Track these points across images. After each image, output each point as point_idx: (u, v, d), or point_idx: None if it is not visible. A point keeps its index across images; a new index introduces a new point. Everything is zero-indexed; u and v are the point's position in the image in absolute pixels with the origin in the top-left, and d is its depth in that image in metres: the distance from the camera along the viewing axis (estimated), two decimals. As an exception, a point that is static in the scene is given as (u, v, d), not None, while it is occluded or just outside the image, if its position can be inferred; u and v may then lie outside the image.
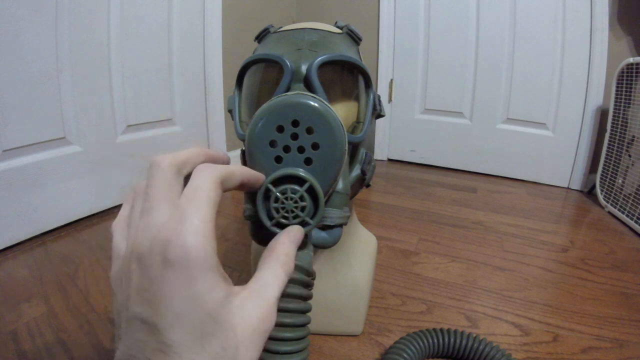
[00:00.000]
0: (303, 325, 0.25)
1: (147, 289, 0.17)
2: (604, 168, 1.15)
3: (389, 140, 1.63)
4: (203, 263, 0.17)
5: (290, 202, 0.25)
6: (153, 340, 0.17)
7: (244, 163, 0.41)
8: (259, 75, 0.40)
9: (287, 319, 0.24)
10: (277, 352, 0.24)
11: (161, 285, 0.17)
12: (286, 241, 0.24)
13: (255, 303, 0.20)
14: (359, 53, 0.44)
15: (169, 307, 0.17)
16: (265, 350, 0.24)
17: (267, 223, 0.26)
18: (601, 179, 1.16)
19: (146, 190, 0.20)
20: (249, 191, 0.26)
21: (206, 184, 0.19)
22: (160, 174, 0.20)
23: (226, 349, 0.18)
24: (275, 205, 0.25)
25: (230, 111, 0.40)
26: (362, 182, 0.42)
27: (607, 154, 1.14)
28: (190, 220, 0.18)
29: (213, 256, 0.18)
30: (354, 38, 0.43)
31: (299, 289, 0.25)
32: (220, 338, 0.17)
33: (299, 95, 0.26)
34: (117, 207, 1.02)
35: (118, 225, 0.22)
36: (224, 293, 0.18)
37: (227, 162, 0.25)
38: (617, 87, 1.08)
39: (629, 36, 1.17)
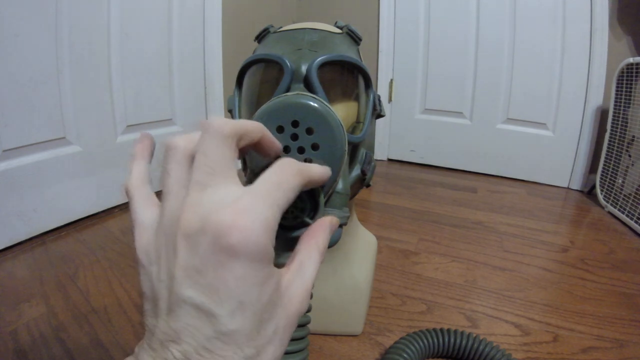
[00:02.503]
0: (303, 325, 0.25)
1: (201, 272, 0.16)
2: (604, 168, 1.15)
3: (389, 140, 1.63)
4: (265, 257, 0.17)
5: (290, 202, 0.25)
6: (209, 328, 0.16)
7: (244, 163, 0.41)
8: (259, 75, 0.40)
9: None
10: (277, 352, 0.23)
11: (222, 272, 0.16)
12: (326, 228, 0.23)
13: (297, 284, 0.19)
14: (359, 53, 0.44)
15: (231, 295, 0.16)
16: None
17: (267, 223, 0.26)
18: (601, 179, 1.16)
19: (200, 157, 0.18)
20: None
21: (292, 182, 0.18)
22: (222, 142, 0.18)
23: (276, 331, 0.18)
24: (275, 205, 0.25)
25: (230, 111, 0.40)
26: (362, 182, 0.42)
27: (607, 154, 1.14)
28: (264, 210, 0.17)
29: (273, 250, 0.17)
30: (354, 38, 0.43)
31: None
32: (273, 320, 0.18)
33: (298, 95, 0.26)
34: (117, 207, 1.02)
35: (138, 187, 0.20)
36: (278, 278, 0.18)
37: (280, 151, 0.23)
38: (617, 87, 1.08)
39: (629, 36, 1.17)
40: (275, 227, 0.17)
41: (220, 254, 0.16)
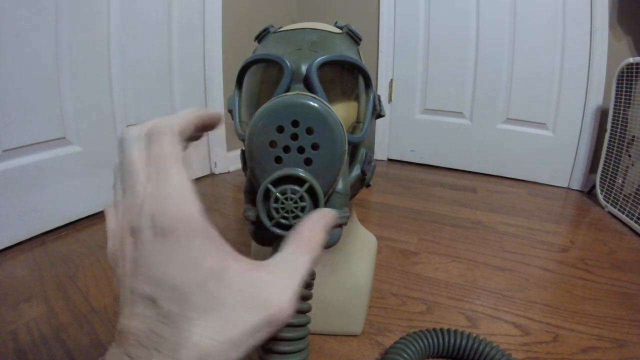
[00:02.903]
0: (303, 325, 0.25)
1: (141, 262, 0.17)
2: (604, 168, 1.15)
3: (389, 140, 1.63)
4: (189, 228, 0.17)
5: (290, 202, 0.25)
6: (153, 312, 0.17)
7: (244, 163, 0.41)
8: (258, 75, 0.40)
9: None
10: (277, 352, 0.23)
11: (154, 257, 0.17)
12: (317, 225, 0.22)
13: (271, 289, 0.18)
14: (359, 53, 0.44)
15: (163, 279, 0.17)
16: (265, 350, 0.24)
17: (267, 223, 0.26)
18: (601, 179, 1.16)
19: (122, 167, 0.20)
20: (212, 129, 0.24)
21: (166, 143, 0.19)
22: (131, 146, 0.20)
23: (226, 329, 0.17)
24: (275, 205, 0.25)
25: (230, 111, 0.40)
26: (362, 182, 0.42)
27: (607, 154, 1.14)
28: (165, 187, 0.18)
29: (199, 220, 0.18)
30: (354, 38, 0.43)
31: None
32: (221, 315, 0.17)
33: (298, 95, 0.26)
34: (117, 207, 1.02)
35: (109, 207, 0.22)
36: (220, 262, 0.18)
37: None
38: (617, 87, 1.08)
39: (629, 36, 1.17)
40: (190, 187, 0.18)
41: (153, 240, 0.17)
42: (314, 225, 0.22)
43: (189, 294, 0.17)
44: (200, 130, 0.23)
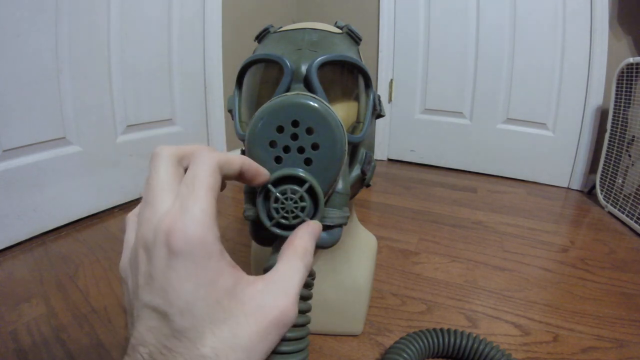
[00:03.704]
0: (303, 325, 0.25)
1: (155, 278, 0.18)
2: (604, 168, 1.15)
3: (389, 140, 1.63)
4: (206, 251, 0.18)
5: (290, 202, 0.25)
6: (166, 327, 0.18)
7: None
8: (259, 75, 0.40)
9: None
10: (277, 352, 0.23)
11: (168, 274, 0.18)
12: (304, 234, 0.24)
13: (273, 294, 0.20)
14: (359, 53, 0.44)
15: (177, 295, 0.17)
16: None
17: (267, 223, 0.26)
18: (601, 179, 1.16)
19: (148, 181, 0.20)
20: (250, 184, 0.25)
21: (204, 170, 0.20)
22: (161, 163, 0.20)
23: (237, 337, 0.18)
24: (275, 205, 0.25)
25: (230, 111, 0.40)
26: (362, 182, 0.42)
27: (607, 154, 1.14)
28: (190, 209, 0.18)
29: (216, 244, 0.18)
30: (354, 38, 0.43)
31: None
32: (230, 325, 0.18)
33: (298, 95, 0.26)
34: (117, 207, 1.02)
35: (131, 217, 0.23)
36: (232, 281, 0.19)
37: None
38: (617, 87, 1.08)
39: (629, 36, 1.17)
40: (212, 216, 0.19)
41: (169, 258, 0.18)
42: (303, 235, 0.24)
43: (203, 310, 0.18)
44: (240, 178, 0.24)
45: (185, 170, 0.21)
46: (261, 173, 0.24)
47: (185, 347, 0.17)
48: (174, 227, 0.18)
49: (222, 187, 0.24)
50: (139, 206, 0.22)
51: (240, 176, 0.23)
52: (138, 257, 0.19)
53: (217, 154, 0.21)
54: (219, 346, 0.17)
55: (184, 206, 0.18)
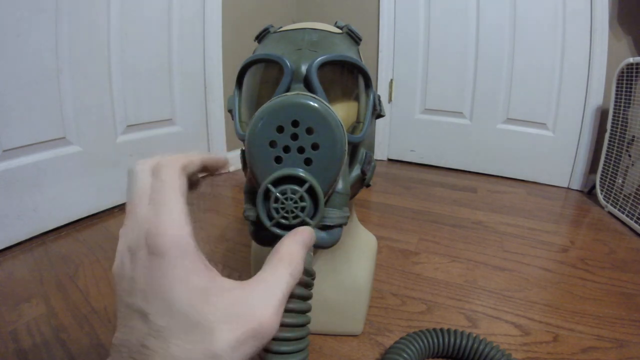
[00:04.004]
0: (303, 325, 0.25)
1: (136, 280, 0.19)
2: (604, 168, 1.15)
3: (389, 140, 1.63)
4: (180, 250, 0.19)
5: (290, 202, 0.25)
6: (145, 326, 0.18)
7: (244, 163, 0.41)
8: (259, 75, 0.40)
9: (287, 319, 0.24)
10: (277, 352, 0.23)
11: (148, 275, 0.19)
12: (291, 242, 0.24)
13: (251, 304, 0.19)
14: (359, 53, 0.44)
15: (155, 294, 0.18)
16: (265, 350, 0.24)
17: (267, 223, 0.26)
18: (601, 179, 1.16)
19: (127, 195, 0.22)
20: (215, 173, 0.27)
21: (169, 175, 0.21)
22: (136, 177, 0.22)
23: (209, 343, 0.18)
24: (275, 205, 0.25)
25: (230, 111, 0.40)
26: (362, 182, 0.42)
27: (607, 154, 1.14)
28: (162, 212, 0.20)
29: (189, 242, 0.19)
30: (354, 38, 0.43)
31: (299, 289, 0.25)
32: (203, 330, 0.18)
33: (298, 95, 0.26)
34: (117, 207, 1.02)
35: (122, 228, 0.24)
36: (205, 282, 0.19)
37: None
38: (617, 87, 1.08)
39: (629, 36, 1.17)
40: (183, 214, 0.20)
41: (147, 258, 0.19)
42: (290, 241, 0.24)
43: (178, 309, 0.18)
44: (205, 170, 0.26)
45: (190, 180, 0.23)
46: (220, 160, 0.27)
47: (160, 345, 0.17)
48: (150, 229, 0.19)
49: (195, 185, 0.27)
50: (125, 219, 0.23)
51: (205, 170, 0.26)
52: (124, 263, 0.20)
53: (178, 157, 0.23)
54: (190, 348, 0.17)
55: (157, 210, 0.20)
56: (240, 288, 0.20)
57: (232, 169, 1.40)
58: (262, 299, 0.20)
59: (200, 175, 0.27)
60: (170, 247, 0.19)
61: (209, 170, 0.26)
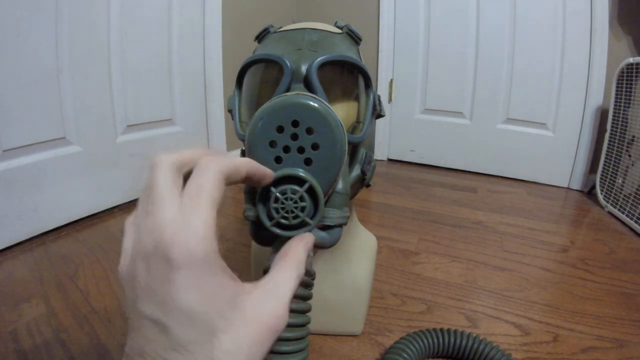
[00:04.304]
0: (303, 325, 0.25)
1: (154, 290, 0.18)
2: (604, 168, 1.15)
3: (389, 140, 1.63)
4: (208, 265, 0.18)
5: (290, 202, 0.25)
6: (165, 340, 0.17)
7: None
8: (259, 75, 0.40)
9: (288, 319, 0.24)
10: (277, 352, 0.23)
11: (168, 287, 0.17)
12: (299, 246, 0.25)
13: (269, 302, 0.20)
14: (359, 53, 0.44)
15: (178, 307, 0.17)
16: (266, 350, 0.24)
17: (267, 223, 0.26)
18: (601, 179, 1.16)
19: (148, 191, 0.20)
20: (256, 186, 0.25)
21: (210, 181, 0.19)
22: (162, 172, 0.20)
23: (237, 344, 0.18)
24: (275, 205, 0.25)
25: (230, 111, 0.40)
26: (362, 182, 0.42)
27: (607, 154, 1.14)
28: (193, 223, 0.18)
29: (216, 257, 0.19)
30: (354, 38, 0.43)
31: (299, 289, 0.25)
32: (231, 334, 0.18)
33: (298, 95, 0.26)
34: (117, 207, 1.02)
35: (129, 225, 0.22)
36: (232, 292, 0.19)
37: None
38: (617, 87, 1.08)
39: (629, 36, 1.17)
40: (213, 229, 0.19)
41: (169, 271, 0.17)
42: (297, 246, 0.25)
43: (205, 322, 0.18)
44: (247, 181, 0.23)
45: (186, 177, 0.21)
46: (267, 174, 0.24)
47: (185, 359, 0.17)
48: (176, 240, 0.17)
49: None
50: (135, 213, 0.21)
51: (245, 180, 0.23)
52: (137, 268, 0.19)
53: (222, 161, 0.20)
54: (220, 356, 0.17)
55: (187, 220, 0.18)
56: (258, 289, 0.21)
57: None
58: (276, 297, 0.21)
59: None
60: (197, 264, 0.18)
61: (252, 182, 0.24)
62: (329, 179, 0.27)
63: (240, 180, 0.22)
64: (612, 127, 1.11)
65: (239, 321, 0.18)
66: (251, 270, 0.58)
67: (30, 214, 0.83)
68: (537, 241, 0.90)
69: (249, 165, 0.23)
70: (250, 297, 0.20)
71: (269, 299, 0.20)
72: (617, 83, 1.08)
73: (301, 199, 0.25)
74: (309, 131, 0.26)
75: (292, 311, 0.24)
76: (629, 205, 1.02)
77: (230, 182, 0.21)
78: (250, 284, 0.21)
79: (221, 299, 0.18)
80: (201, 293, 0.18)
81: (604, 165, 1.15)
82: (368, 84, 0.39)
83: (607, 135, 1.14)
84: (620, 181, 1.07)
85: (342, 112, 0.39)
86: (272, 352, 0.24)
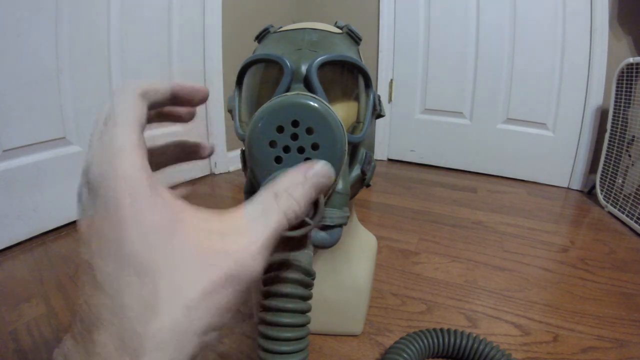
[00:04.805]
0: (303, 325, 0.25)
1: (80, 223, 0.16)
2: (604, 168, 1.15)
3: (389, 140, 1.63)
4: (126, 185, 0.15)
5: (290, 202, 0.25)
6: (91, 278, 0.15)
7: (244, 163, 0.41)
8: (259, 75, 0.40)
9: (287, 319, 0.24)
10: (277, 352, 0.23)
11: (91, 217, 0.16)
12: (295, 174, 0.19)
13: (227, 239, 0.16)
14: (359, 53, 0.44)
15: (99, 239, 0.15)
16: (265, 350, 0.24)
17: (267, 223, 0.26)
18: (601, 179, 1.16)
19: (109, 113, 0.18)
20: (191, 104, 0.23)
21: (122, 100, 0.18)
22: (123, 95, 0.18)
23: (177, 289, 0.14)
24: (275, 205, 0.25)
25: (230, 111, 0.40)
26: (362, 182, 0.42)
27: (607, 154, 1.14)
28: (104, 142, 0.16)
29: (138, 175, 0.16)
30: (354, 38, 0.43)
31: (299, 289, 0.25)
32: (168, 274, 0.14)
33: (298, 95, 0.26)
34: (117, 207, 1.02)
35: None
36: (167, 217, 0.15)
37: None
38: (617, 87, 1.08)
39: (629, 36, 1.17)
40: (131, 141, 0.16)
41: (90, 198, 0.16)
42: (294, 173, 0.20)
43: (128, 255, 0.14)
44: (177, 101, 0.21)
45: (152, 106, 0.20)
46: (199, 89, 0.22)
47: (106, 302, 0.14)
48: (90, 165, 0.16)
49: (165, 118, 0.23)
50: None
51: (175, 100, 0.21)
52: (78, 207, 0.17)
53: (139, 82, 0.19)
54: (152, 303, 0.14)
55: (101, 141, 0.16)
56: (217, 219, 0.16)
57: (232, 168, 1.40)
58: (244, 235, 0.16)
59: (175, 109, 0.22)
60: (109, 183, 0.15)
61: (183, 101, 0.21)
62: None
63: (164, 98, 0.20)
64: (612, 127, 1.11)
65: (177, 255, 0.15)
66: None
67: (30, 214, 0.83)
68: (537, 241, 0.90)
69: (173, 82, 0.20)
70: (204, 227, 0.16)
71: (235, 234, 0.16)
72: (617, 83, 1.08)
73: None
74: (309, 131, 0.26)
75: (292, 311, 0.24)
76: (629, 205, 1.02)
77: (152, 101, 0.19)
78: (206, 211, 0.17)
79: (147, 225, 0.15)
80: (118, 220, 0.15)
81: (604, 165, 1.15)
82: (368, 84, 0.39)
83: (607, 135, 1.14)
84: (620, 181, 1.07)
85: (342, 112, 0.39)
86: (272, 352, 0.24)
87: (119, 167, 0.15)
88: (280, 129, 0.26)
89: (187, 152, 0.24)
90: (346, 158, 0.30)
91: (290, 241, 0.28)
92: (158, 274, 0.14)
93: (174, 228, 0.15)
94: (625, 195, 1.04)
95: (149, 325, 0.14)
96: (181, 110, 0.23)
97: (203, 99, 0.22)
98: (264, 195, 0.18)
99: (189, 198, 0.20)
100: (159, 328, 0.14)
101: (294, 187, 0.19)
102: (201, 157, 0.24)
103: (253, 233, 0.16)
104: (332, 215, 0.30)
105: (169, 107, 0.22)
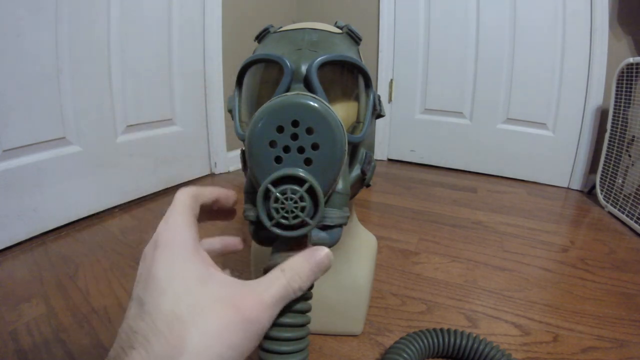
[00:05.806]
0: (303, 325, 0.25)
1: (142, 274, 0.22)
2: (604, 168, 1.15)
3: (389, 140, 1.63)
4: (181, 245, 0.22)
5: (290, 202, 0.25)
6: (139, 310, 0.20)
7: (244, 163, 0.41)
8: (259, 75, 0.40)
9: (287, 319, 0.24)
10: (277, 352, 0.23)
11: (151, 266, 0.21)
12: (299, 257, 0.25)
13: (245, 294, 0.21)
14: (359, 53, 0.44)
15: (155, 283, 0.20)
16: (265, 350, 0.24)
17: (267, 223, 0.26)
18: (601, 179, 1.16)
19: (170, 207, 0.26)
20: (229, 205, 0.31)
21: (181, 194, 0.26)
22: (180, 195, 0.26)
23: (195, 323, 0.19)
24: (275, 205, 0.25)
25: (230, 111, 0.40)
26: (362, 182, 0.42)
27: (607, 154, 1.14)
28: (165, 218, 0.24)
29: (189, 241, 0.23)
30: (354, 38, 0.43)
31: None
32: (196, 310, 0.19)
33: (298, 95, 0.26)
34: (117, 207, 1.02)
35: None
36: (204, 272, 0.21)
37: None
38: (617, 87, 1.08)
39: (629, 36, 1.17)
40: (184, 222, 0.24)
41: (153, 253, 0.22)
42: (298, 257, 0.25)
43: (172, 294, 0.20)
44: (217, 203, 0.30)
45: (202, 207, 0.28)
46: (229, 194, 0.31)
47: (146, 323, 0.19)
48: (156, 232, 0.24)
49: (216, 217, 0.32)
50: None
51: (215, 203, 0.30)
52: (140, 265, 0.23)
53: (192, 187, 0.28)
54: (178, 327, 0.19)
55: (165, 219, 0.24)
56: (237, 283, 0.22)
57: (232, 168, 1.40)
58: (255, 295, 0.21)
59: (215, 208, 0.31)
60: (167, 242, 0.22)
61: (220, 203, 0.30)
62: (329, 179, 0.27)
63: (209, 200, 0.29)
64: (612, 127, 1.12)
65: (205, 299, 0.20)
66: (251, 270, 0.58)
67: (30, 214, 0.83)
68: (537, 241, 0.90)
69: (212, 189, 0.29)
70: (227, 285, 0.21)
71: (248, 293, 0.21)
72: (617, 83, 1.08)
73: (301, 199, 0.25)
74: (309, 131, 0.25)
75: (291, 311, 0.24)
76: (629, 205, 1.02)
77: (200, 200, 0.27)
78: (230, 277, 0.23)
79: (190, 275, 0.21)
80: (173, 268, 0.21)
81: (604, 165, 1.15)
82: (368, 84, 0.39)
83: (607, 135, 1.14)
84: (620, 181, 1.07)
85: (342, 112, 0.39)
86: (272, 352, 0.24)
87: (174, 233, 0.23)
88: (280, 129, 0.26)
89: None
90: (346, 158, 0.30)
91: (291, 241, 0.28)
92: (190, 310, 0.20)
93: (207, 280, 0.21)
94: (625, 195, 1.04)
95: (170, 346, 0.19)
96: (224, 211, 0.32)
97: (235, 201, 0.32)
98: (276, 272, 0.24)
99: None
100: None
101: (299, 266, 0.25)
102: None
103: (261, 293, 0.22)
104: (332, 215, 0.30)
105: (218, 204, 0.30)
